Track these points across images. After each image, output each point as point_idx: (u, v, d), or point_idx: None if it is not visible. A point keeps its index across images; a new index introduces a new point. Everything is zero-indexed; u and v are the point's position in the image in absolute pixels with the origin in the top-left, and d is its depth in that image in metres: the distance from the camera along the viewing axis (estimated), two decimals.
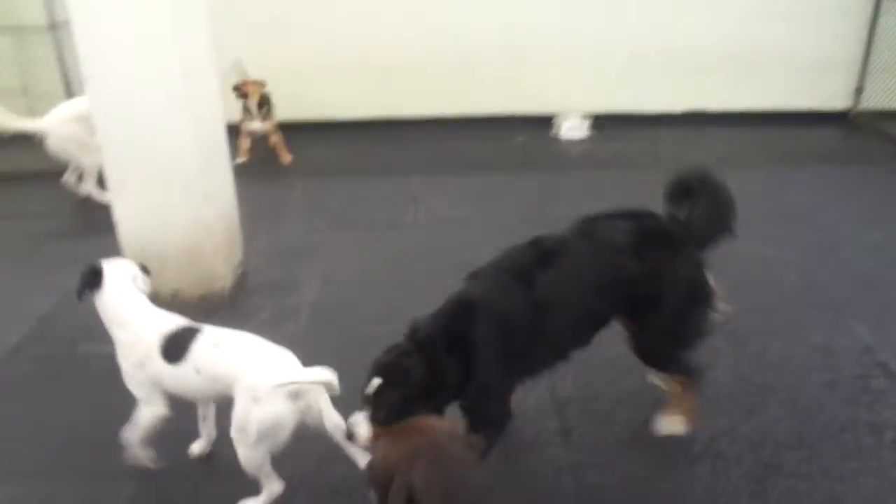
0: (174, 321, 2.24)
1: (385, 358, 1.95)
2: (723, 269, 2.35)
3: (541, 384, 2.72)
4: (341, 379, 2.00)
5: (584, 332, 2.18)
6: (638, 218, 2.24)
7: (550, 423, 2.52)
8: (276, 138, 5.73)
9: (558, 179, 5.22)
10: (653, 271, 2.13)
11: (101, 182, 4.78)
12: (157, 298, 3.37)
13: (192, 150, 3.11)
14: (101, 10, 2.86)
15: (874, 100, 6.42)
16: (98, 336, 3.12)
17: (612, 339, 2.91)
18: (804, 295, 3.42)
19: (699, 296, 2.22)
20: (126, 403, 2.35)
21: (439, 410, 1.90)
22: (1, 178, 5.57)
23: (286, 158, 5.75)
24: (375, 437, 1.81)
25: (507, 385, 2.16)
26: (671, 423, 2.42)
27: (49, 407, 2.72)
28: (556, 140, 6.20)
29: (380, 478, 1.31)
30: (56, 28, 5.56)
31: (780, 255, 3.81)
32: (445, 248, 3.95)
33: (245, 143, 5.68)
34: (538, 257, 2.07)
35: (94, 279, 2.24)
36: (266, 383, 1.94)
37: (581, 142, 6.10)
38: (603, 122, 6.25)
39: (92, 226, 4.52)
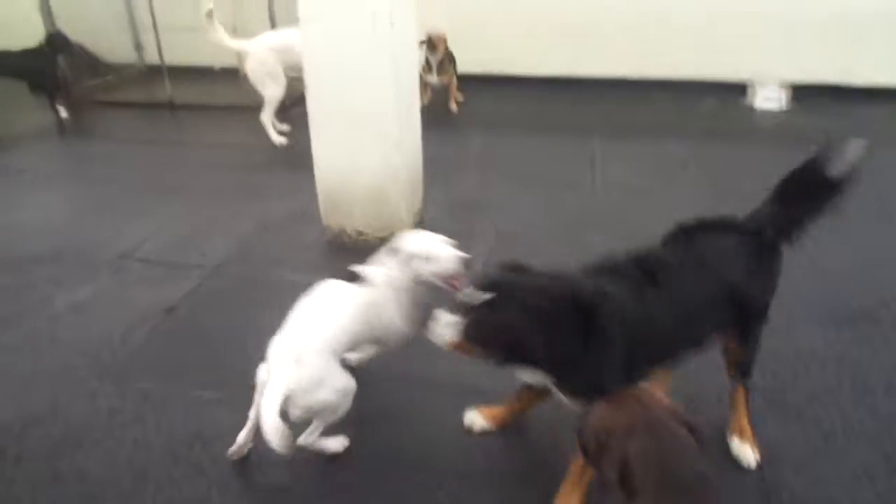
0: None
1: (522, 281, 1.82)
2: None
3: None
4: None
5: (681, 352, 2.02)
6: (735, 230, 2.07)
7: None
8: (452, 88, 5.88)
9: (748, 152, 4.85)
10: (759, 285, 2.04)
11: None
12: (342, 236, 3.61)
13: (390, 96, 3.20)
14: None
15: None
16: (290, 265, 3.42)
17: (805, 332, 2.73)
18: None
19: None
20: None
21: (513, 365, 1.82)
22: (210, 109, 6.14)
23: (452, 106, 5.89)
24: (455, 346, 1.77)
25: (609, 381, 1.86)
26: (746, 451, 2.17)
27: (246, 322, 2.98)
28: (750, 109, 5.76)
29: (593, 443, 1.29)
30: None
31: None
32: (621, 216, 3.84)
33: (424, 93, 5.87)
34: (644, 275, 1.89)
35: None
36: None
37: (777, 113, 5.63)
38: (803, 93, 5.71)
39: (288, 160, 4.87)
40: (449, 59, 5.80)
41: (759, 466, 2.14)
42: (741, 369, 2.19)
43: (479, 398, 2.37)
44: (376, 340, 2.37)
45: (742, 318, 2.05)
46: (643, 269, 1.90)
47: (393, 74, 3.16)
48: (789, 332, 2.79)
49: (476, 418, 2.33)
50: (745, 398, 2.22)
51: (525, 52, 6.30)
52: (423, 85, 5.81)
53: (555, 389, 1.86)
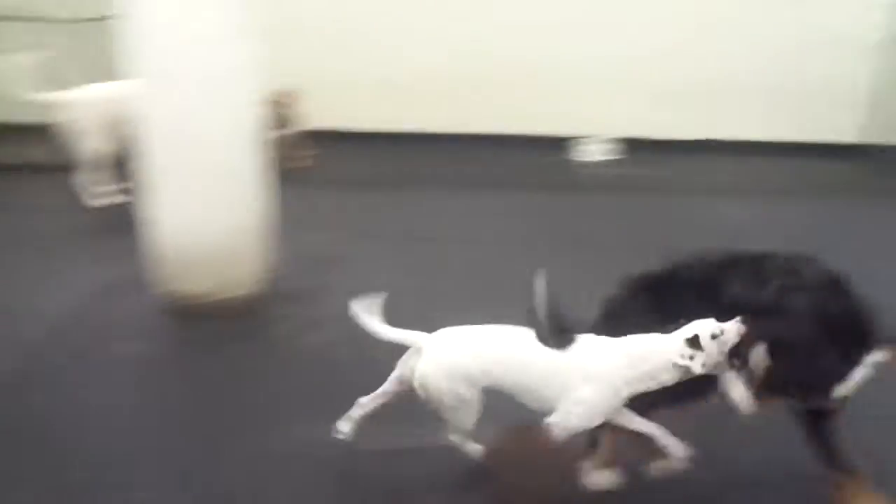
0: None
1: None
2: None
3: None
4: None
5: None
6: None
7: None
8: (300, 144, 5.83)
9: (575, 200, 5.27)
10: None
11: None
12: (184, 300, 3.38)
13: (237, 152, 3.12)
14: (161, 9, 2.88)
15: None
16: (118, 335, 3.13)
17: None
18: None
19: None
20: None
21: None
22: (16, 169, 5.55)
23: (305, 163, 5.84)
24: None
25: None
26: None
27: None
28: (576, 162, 6.25)
29: None
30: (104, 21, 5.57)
31: None
32: (467, 264, 3.97)
33: (277, 150, 5.80)
34: None
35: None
36: None
37: (599, 165, 6.16)
38: (622, 147, 6.31)
39: (110, 222, 4.49)
40: (298, 116, 5.77)
41: None
42: None
43: None
44: None
45: None
46: None
47: (239, 131, 3.08)
48: None
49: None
50: None
51: (373, 109, 6.39)
52: (276, 141, 5.73)
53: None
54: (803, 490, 2.28)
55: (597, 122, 6.43)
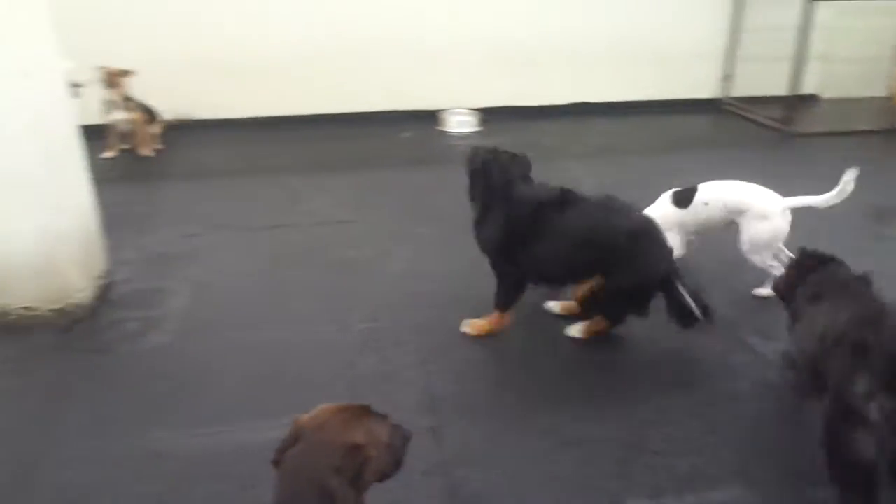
0: None
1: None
2: None
3: (415, 382, 2.71)
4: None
5: None
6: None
7: (423, 421, 2.50)
8: (141, 130, 5.54)
9: (445, 173, 5.19)
10: None
11: None
12: (5, 316, 3.15)
13: (35, 154, 2.88)
14: None
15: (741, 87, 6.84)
16: None
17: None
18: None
19: None
20: None
21: None
22: None
23: (145, 151, 5.58)
24: None
25: None
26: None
27: None
28: (443, 135, 6.22)
29: None
30: None
31: None
32: (324, 248, 3.89)
33: (111, 138, 5.48)
34: None
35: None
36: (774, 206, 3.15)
37: (468, 136, 6.14)
38: (488, 117, 6.33)
39: None
40: (134, 100, 5.45)
41: (445, 471, 2.25)
42: None
43: None
44: None
45: None
46: None
47: (35, 131, 2.84)
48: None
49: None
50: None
51: (221, 94, 6.15)
52: (113, 125, 5.42)
53: None
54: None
55: (462, 95, 6.44)
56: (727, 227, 3.32)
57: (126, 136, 5.56)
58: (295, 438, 1.46)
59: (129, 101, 5.41)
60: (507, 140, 5.81)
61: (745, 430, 2.48)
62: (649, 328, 2.98)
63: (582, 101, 6.73)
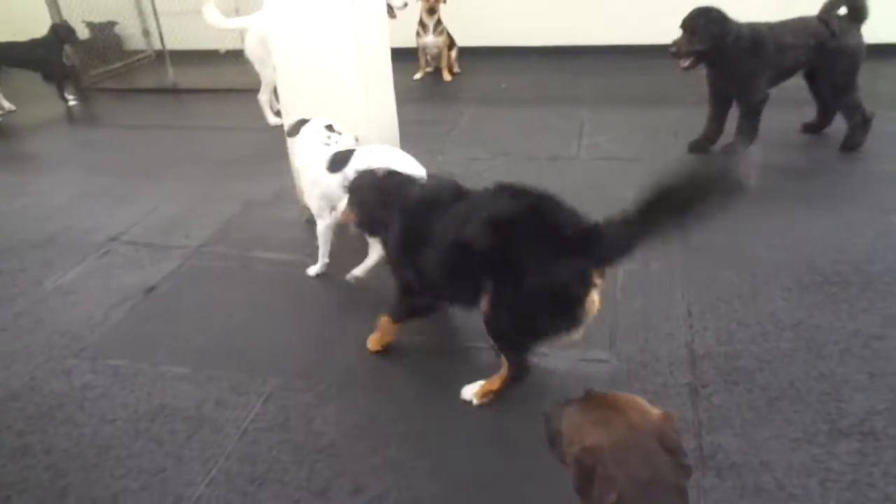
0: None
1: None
2: None
3: (679, 335, 2.60)
4: None
5: None
6: None
7: (681, 377, 2.40)
8: (447, 54, 5.89)
9: None
10: None
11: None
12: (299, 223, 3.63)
13: (354, 73, 3.21)
14: None
15: None
16: (267, 244, 3.50)
17: (769, 296, 2.72)
18: None
19: None
20: (277, 306, 2.64)
21: None
22: (213, 93, 6.25)
23: (446, 76, 5.91)
24: None
25: None
26: None
27: (219, 300, 3.07)
28: None
29: (576, 465, 1.25)
30: None
31: None
32: (601, 186, 3.81)
33: (421, 59, 5.95)
34: None
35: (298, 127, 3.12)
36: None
37: None
38: None
39: (280, 140, 4.91)
40: (444, 29, 5.81)
41: (697, 433, 2.15)
42: None
43: None
44: None
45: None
46: None
47: (356, 51, 3.16)
48: (754, 298, 2.77)
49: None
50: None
51: (520, 22, 6.23)
52: (422, 47, 5.88)
53: None
54: None
55: None
56: None
57: (433, 58, 5.98)
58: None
59: (439, 26, 5.77)
60: None
61: None
62: None
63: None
